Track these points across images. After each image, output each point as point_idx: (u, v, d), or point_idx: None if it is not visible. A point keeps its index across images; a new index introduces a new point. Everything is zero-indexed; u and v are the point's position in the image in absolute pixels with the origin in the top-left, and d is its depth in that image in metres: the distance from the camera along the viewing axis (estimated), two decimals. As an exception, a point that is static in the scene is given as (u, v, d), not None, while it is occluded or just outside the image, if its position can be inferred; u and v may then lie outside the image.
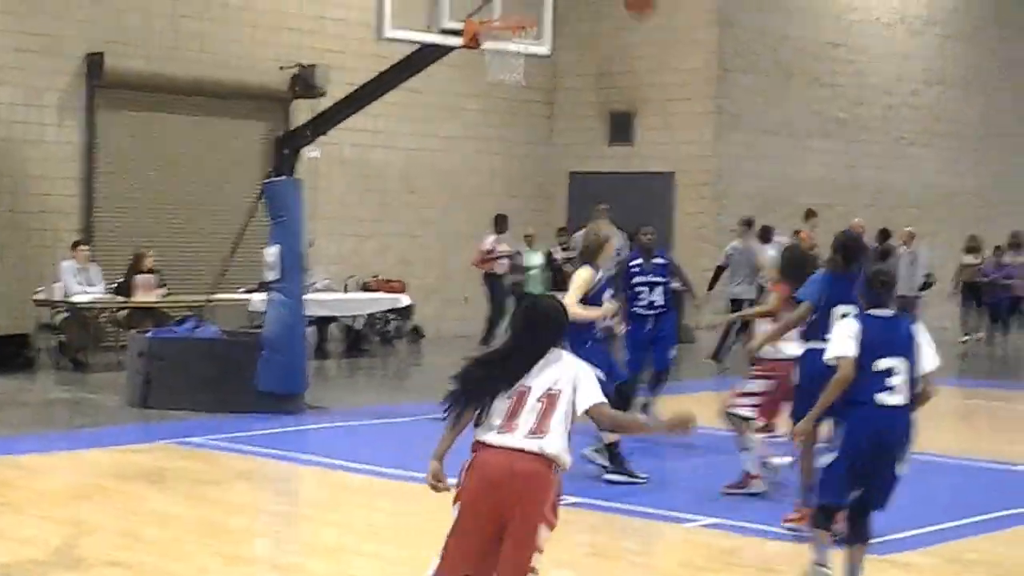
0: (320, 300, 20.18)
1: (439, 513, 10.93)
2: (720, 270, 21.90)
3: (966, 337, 25.98)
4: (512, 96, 24.94)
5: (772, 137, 26.76)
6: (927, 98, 30.05)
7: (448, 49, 17.18)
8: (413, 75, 17.76)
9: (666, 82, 26.18)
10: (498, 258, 22.97)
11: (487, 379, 6.59)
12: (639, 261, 14.75)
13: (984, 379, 22.33)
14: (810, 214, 24.55)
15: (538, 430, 6.44)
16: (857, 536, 8.57)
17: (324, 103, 20.04)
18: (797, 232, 24.52)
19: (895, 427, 8.33)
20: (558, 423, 6.48)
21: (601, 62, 27.00)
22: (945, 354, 22.57)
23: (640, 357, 14.62)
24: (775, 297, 11.52)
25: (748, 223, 22.20)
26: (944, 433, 16.84)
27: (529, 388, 6.52)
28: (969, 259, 26.71)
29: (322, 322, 21.30)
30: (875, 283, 8.55)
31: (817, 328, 10.07)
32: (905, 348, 8.37)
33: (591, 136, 27.07)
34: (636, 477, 12.26)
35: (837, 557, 8.63)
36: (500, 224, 23.21)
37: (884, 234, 25.48)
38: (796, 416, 9.96)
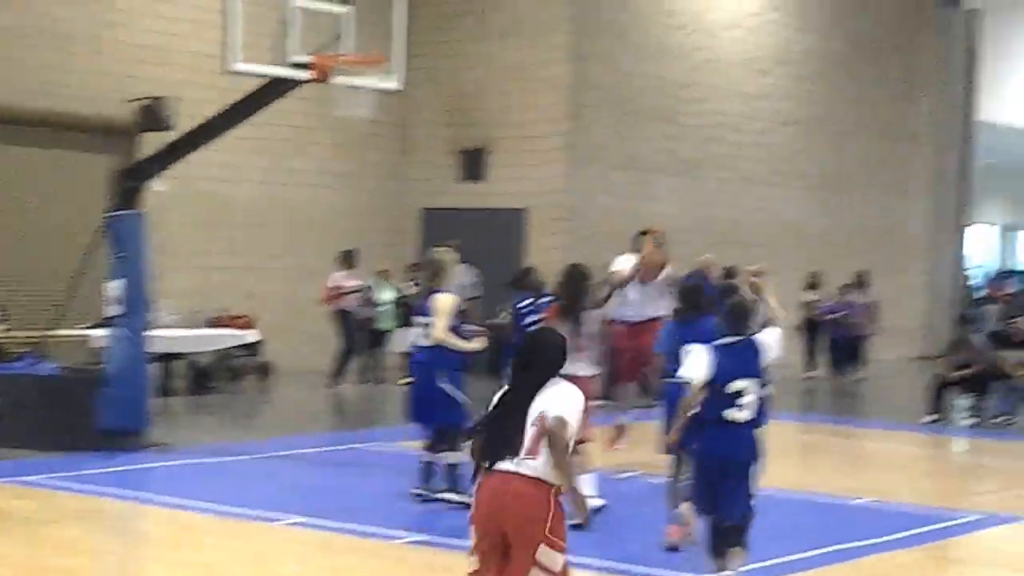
0: (165, 336, 19.89)
1: (277, 551, 10.92)
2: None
3: (807, 374, 26.36)
4: (363, 131, 24.86)
5: (624, 173, 26.93)
6: (775, 138, 30.46)
7: (297, 83, 17.13)
8: (262, 108, 17.66)
9: (518, 119, 26.24)
10: (346, 294, 22.86)
11: (498, 434, 7.01)
12: (529, 301, 14.89)
13: (824, 415, 22.62)
14: (647, 232, 24.62)
15: (530, 452, 6.87)
16: (729, 542, 9.46)
17: (171, 136, 19.81)
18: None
19: (740, 443, 9.28)
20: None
21: (453, 98, 27.00)
22: (789, 390, 22.91)
23: None
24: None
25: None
26: (786, 468, 17.05)
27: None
28: (809, 296, 27.23)
29: (167, 358, 20.99)
30: (734, 313, 9.54)
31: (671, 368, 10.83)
32: (754, 369, 9.34)
33: (443, 172, 27.03)
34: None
35: None
36: (348, 260, 23.10)
37: (729, 272, 25.71)
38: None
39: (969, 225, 37.38)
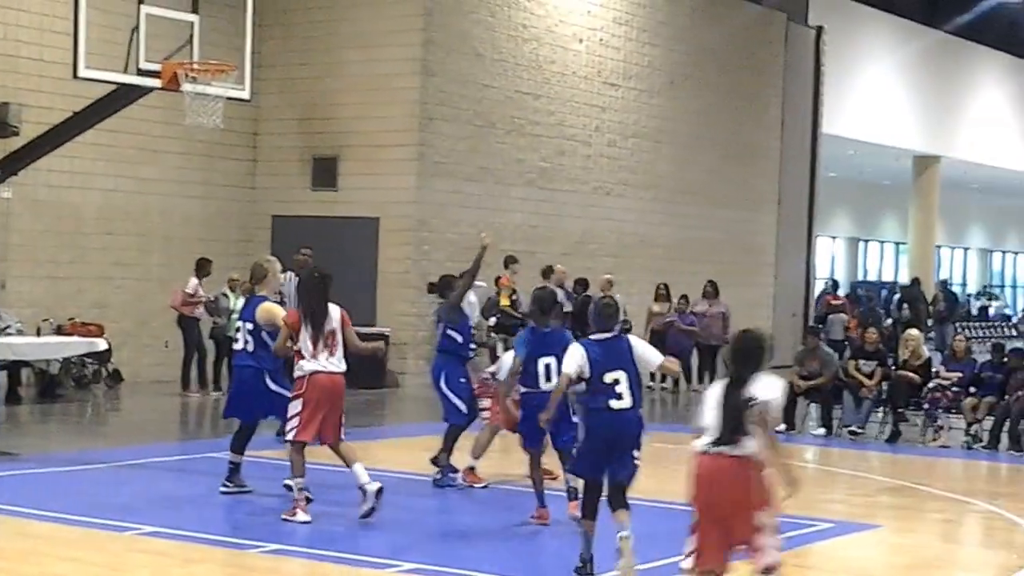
0: (11, 344, 19.52)
1: (131, 562, 10.79)
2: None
3: (650, 384, 26.50)
4: (213, 139, 24.65)
5: (475, 184, 27.02)
6: (623, 150, 30.75)
7: (146, 90, 17.03)
8: (110, 115, 17.53)
9: (370, 129, 26.22)
10: (198, 302, 22.68)
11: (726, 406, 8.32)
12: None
13: (676, 424, 22.82)
14: (510, 260, 24.88)
15: (732, 439, 8.23)
16: (619, 504, 10.42)
17: (17, 142, 19.61)
18: (498, 279, 24.86)
19: (625, 426, 10.30)
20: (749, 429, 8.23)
21: (304, 108, 26.90)
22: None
23: None
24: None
25: (549, 270, 24.97)
26: (641, 477, 17.18)
27: None
28: (656, 307, 27.35)
29: (14, 366, 20.64)
30: (602, 312, 10.50)
31: (527, 376, 12.08)
32: (625, 362, 10.31)
33: (294, 181, 26.91)
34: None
35: None
36: (202, 268, 22.92)
37: (582, 284, 25.96)
38: (527, 442, 12.42)
39: (816, 237, 38.03)
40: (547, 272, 24.99)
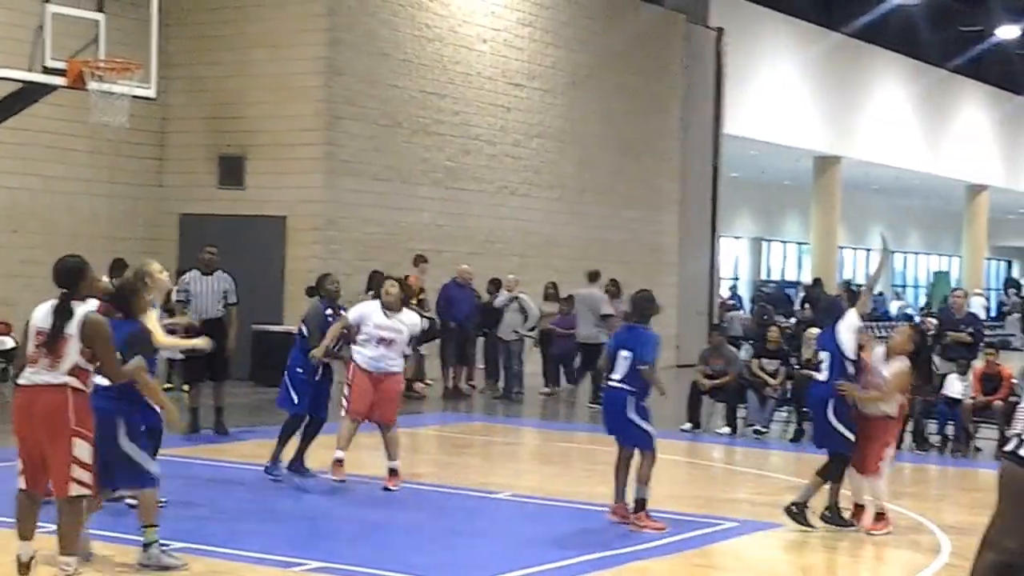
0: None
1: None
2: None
3: (546, 389, 26.17)
4: (119, 138, 24.50)
5: (382, 183, 27.09)
6: (528, 150, 30.93)
7: (51, 88, 16.96)
8: (15, 114, 17.43)
9: (277, 128, 26.22)
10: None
11: None
12: (330, 311, 15.00)
13: (577, 422, 22.98)
14: (419, 259, 24.98)
15: None
16: None
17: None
18: (406, 277, 24.94)
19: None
20: None
21: (211, 106, 26.85)
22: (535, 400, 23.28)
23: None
24: None
25: (595, 274, 25.82)
26: (545, 476, 17.37)
27: None
28: (547, 307, 26.39)
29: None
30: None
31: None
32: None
33: (201, 179, 26.86)
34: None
35: None
36: (117, 269, 22.77)
37: (495, 283, 26.06)
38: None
39: (719, 237, 38.39)
40: (594, 276, 25.90)
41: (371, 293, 25.30)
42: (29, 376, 9.59)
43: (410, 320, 14.69)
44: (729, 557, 12.41)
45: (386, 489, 14.36)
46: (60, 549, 9.50)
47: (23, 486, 9.64)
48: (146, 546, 10.45)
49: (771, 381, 20.99)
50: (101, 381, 10.01)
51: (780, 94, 42.29)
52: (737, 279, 54.42)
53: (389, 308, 14.41)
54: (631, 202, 34.12)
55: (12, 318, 23.15)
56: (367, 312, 14.47)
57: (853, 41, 46.20)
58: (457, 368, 25.31)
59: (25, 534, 9.59)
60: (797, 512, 13.08)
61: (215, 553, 11.08)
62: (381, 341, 14.31)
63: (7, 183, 24.33)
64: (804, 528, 13.03)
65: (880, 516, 13.35)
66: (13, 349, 22.12)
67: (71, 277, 9.74)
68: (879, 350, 13.58)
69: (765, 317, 29.23)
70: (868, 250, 62.91)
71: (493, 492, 14.78)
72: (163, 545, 10.51)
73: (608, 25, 33.27)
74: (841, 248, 49.04)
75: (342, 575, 10.49)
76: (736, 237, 54.41)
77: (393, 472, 14.55)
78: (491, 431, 21.13)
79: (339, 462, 14.30)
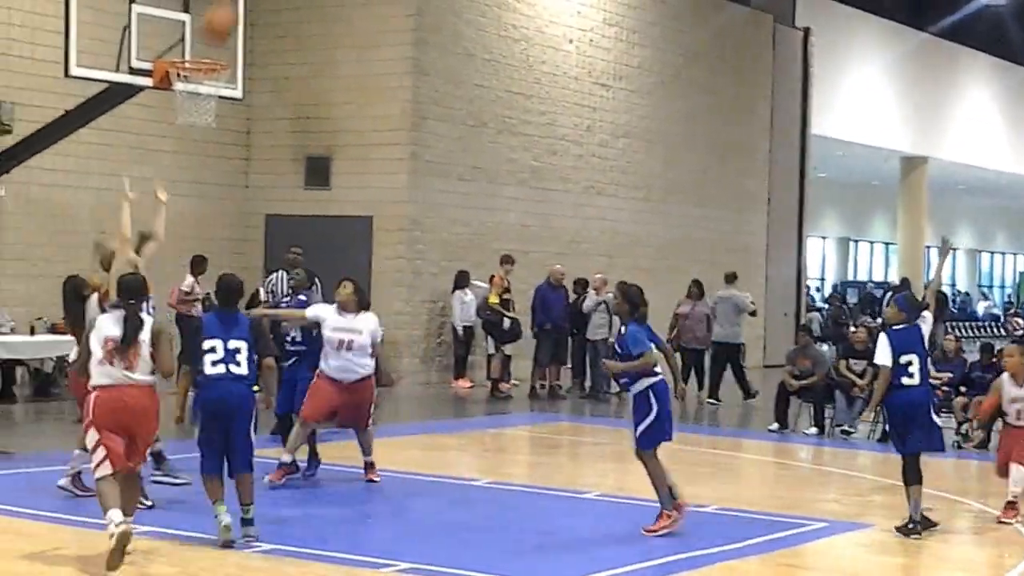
0: (6, 342, 19.57)
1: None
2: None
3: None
4: (206, 138, 24.65)
5: (468, 184, 27.05)
6: (614, 150, 30.80)
7: (138, 89, 16.98)
8: (102, 114, 17.49)
9: (363, 128, 26.23)
10: (195, 300, 22.64)
11: None
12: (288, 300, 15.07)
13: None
14: (505, 259, 24.92)
15: None
16: None
17: (8, 141, 19.60)
18: (492, 277, 24.93)
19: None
20: None
21: (297, 106, 26.91)
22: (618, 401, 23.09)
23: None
24: None
25: (733, 276, 26.23)
26: (633, 476, 17.24)
27: None
28: (683, 308, 25.68)
29: (9, 365, 20.63)
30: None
31: None
32: None
33: (287, 180, 26.92)
34: (178, 478, 13.29)
35: None
36: (198, 265, 22.87)
37: (582, 283, 25.94)
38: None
39: (806, 237, 38.11)
40: (731, 278, 26.21)
41: (456, 291, 25.37)
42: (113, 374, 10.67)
43: (369, 323, 14.16)
44: (818, 557, 12.31)
45: (370, 481, 14.31)
46: (125, 513, 10.41)
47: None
48: (248, 522, 11.35)
49: (858, 381, 20.72)
50: (238, 370, 11.24)
51: (867, 94, 41.94)
52: (824, 279, 54.02)
53: (343, 308, 14.04)
54: (718, 202, 33.91)
55: (99, 319, 23.28)
56: (323, 314, 14.16)
57: (940, 41, 45.78)
58: (552, 369, 25.20)
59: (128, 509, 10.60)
60: (921, 526, 12.84)
61: (304, 555, 11.05)
62: (340, 344, 13.90)
63: (94, 184, 24.45)
64: (920, 530, 12.79)
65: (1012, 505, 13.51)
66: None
67: (141, 290, 11.16)
68: (1004, 378, 14.01)
69: (842, 318, 28.94)
70: (955, 249, 62.20)
71: (581, 492, 14.69)
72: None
73: (694, 25, 33.08)
74: (928, 248, 48.54)
75: (432, 575, 10.41)
76: (823, 237, 54.03)
77: (370, 465, 14.46)
78: (579, 431, 21.04)
79: (283, 466, 14.12)
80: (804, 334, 22.46)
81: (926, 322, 13.05)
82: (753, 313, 26.42)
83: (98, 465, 10.55)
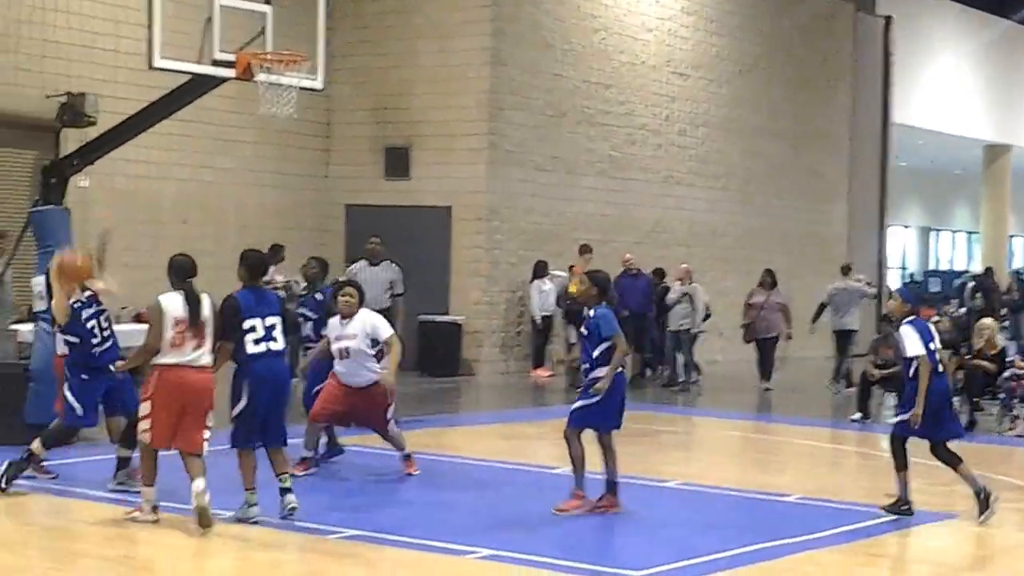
0: (90, 332, 19.68)
1: (211, 547, 10.86)
2: (823, 306, 25.64)
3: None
4: (286, 129, 24.79)
5: (546, 173, 27.06)
6: (693, 139, 30.72)
7: (220, 80, 17.03)
8: (185, 106, 17.56)
9: (441, 118, 26.31)
10: (275, 288, 22.77)
11: None
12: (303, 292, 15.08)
13: (749, 412, 22.82)
14: (584, 249, 24.89)
15: None
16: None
17: (93, 132, 19.72)
18: (571, 267, 24.91)
19: None
20: None
21: (377, 97, 27.02)
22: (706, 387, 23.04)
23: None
24: None
25: (848, 268, 26.55)
26: (714, 465, 17.24)
27: None
28: (758, 297, 25.52)
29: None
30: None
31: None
32: None
33: (367, 170, 27.05)
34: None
35: None
36: (276, 254, 23.00)
37: (659, 273, 25.89)
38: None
39: (888, 226, 37.86)
40: (846, 269, 26.52)
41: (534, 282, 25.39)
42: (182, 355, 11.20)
43: (357, 325, 13.58)
44: (902, 547, 12.26)
45: (408, 474, 14.08)
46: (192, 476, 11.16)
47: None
48: (287, 490, 11.60)
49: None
50: (276, 347, 11.51)
51: (949, 82, 41.58)
52: (905, 269, 53.62)
53: (342, 315, 13.69)
54: (798, 192, 33.74)
55: (182, 307, 23.48)
56: (330, 326, 13.91)
57: (1022, 28, 45.27)
58: (632, 358, 25.15)
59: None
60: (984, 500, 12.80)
61: (386, 541, 11.10)
62: (340, 353, 13.62)
63: (177, 174, 24.71)
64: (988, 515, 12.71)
65: None
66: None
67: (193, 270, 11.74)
68: None
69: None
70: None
71: (663, 480, 14.66)
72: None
73: (774, 13, 32.92)
74: (1011, 237, 48.08)
75: (513, 563, 10.43)
76: (904, 226, 53.62)
77: (406, 458, 14.20)
78: (659, 420, 21.00)
79: (303, 460, 13.95)
80: (886, 323, 22.29)
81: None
82: (875, 297, 27.49)
83: (144, 432, 11.30)
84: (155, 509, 11.39)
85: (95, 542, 11.24)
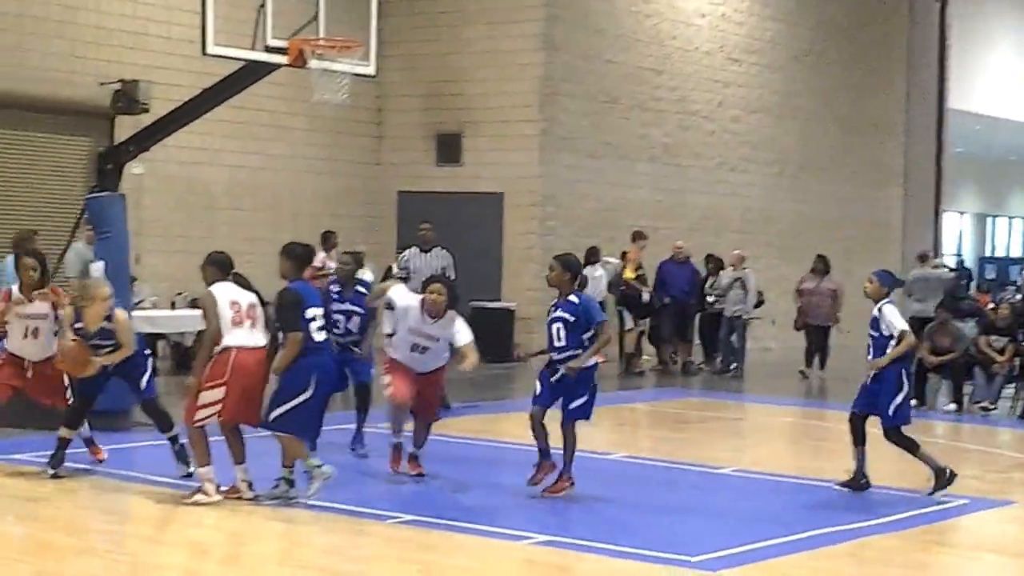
0: (148, 316, 19.82)
1: (266, 531, 10.92)
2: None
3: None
4: (338, 115, 24.85)
5: (598, 160, 27.03)
6: (747, 125, 30.60)
7: (273, 67, 17.06)
8: (238, 92, 17.61)
9: (494, 104, 26.33)
10: (327, 275, 22.79)
11: None
12: (339, 288, 14.61)
13: (802, 399, 22.76)
14: (638, 235, 24.86)
15: None
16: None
17: (147, 119, 19.79)
18: (624, 254, 24.86)
19: None
20: None
21: (428, 84, 27.05)
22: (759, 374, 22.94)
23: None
24: None
25: (925, 255, 26.35)
26: (771, 452, 17.20)
27: None
28: (809, 283, 25.53)
29: (150, 339, 20.90)
30: None
31: None
32: None
33: (419, 156, 27.10)
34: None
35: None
36: (328, 240, 23.06)
37: (711, 260, 25.78)
38: None
39: (943, 212, 37.62)
40: (924, 257, 26.27)
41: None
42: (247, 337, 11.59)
43: (450, 327, 12.73)
44: (960, 533, 12.24)
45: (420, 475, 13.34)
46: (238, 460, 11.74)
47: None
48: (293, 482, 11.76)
49: (999, 358, 20.44)
50: (318, 337, 11.57)
51: (1006, 67, 41.22)
52: (960, 255, 53.29)
53: (430, 313, 12.68)
54: (853, 178, 33.56)
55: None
56: (409, 314, 12.85)
57: (1082, 12, 44.85)
58: (675, 344, 25.13)
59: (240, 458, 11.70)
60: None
61: (440, 525, 11.12)
62: (415, 347, 12.84)
63: (230, 161, 24.82)
64: None
65: None
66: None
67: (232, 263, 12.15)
68: None
69: (959, 293, 28.61)
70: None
71: (716, 467, 14.62)
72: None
73: (828, -3, 32.76)
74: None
75: (568, 548, 10.44)
76: (960, 212, 53.29)
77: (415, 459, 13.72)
78: (711, 407, 20.96)
79: (412, 458, 13.42)
80: (943, 310, 22.14)
81: None
82: (957, 279, 27.29)
83: (206, 414, 11.52)
84: (218, 488, 11.60)
85: (151, 525, 11.36)
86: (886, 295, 13.17)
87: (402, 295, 13.01)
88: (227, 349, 11.47)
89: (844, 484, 13.20)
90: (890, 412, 12.97)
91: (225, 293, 11.67)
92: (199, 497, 11.54)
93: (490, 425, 14.78)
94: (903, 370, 12.97)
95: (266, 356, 11.62)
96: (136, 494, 12.39)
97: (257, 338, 11.65)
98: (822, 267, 25.22)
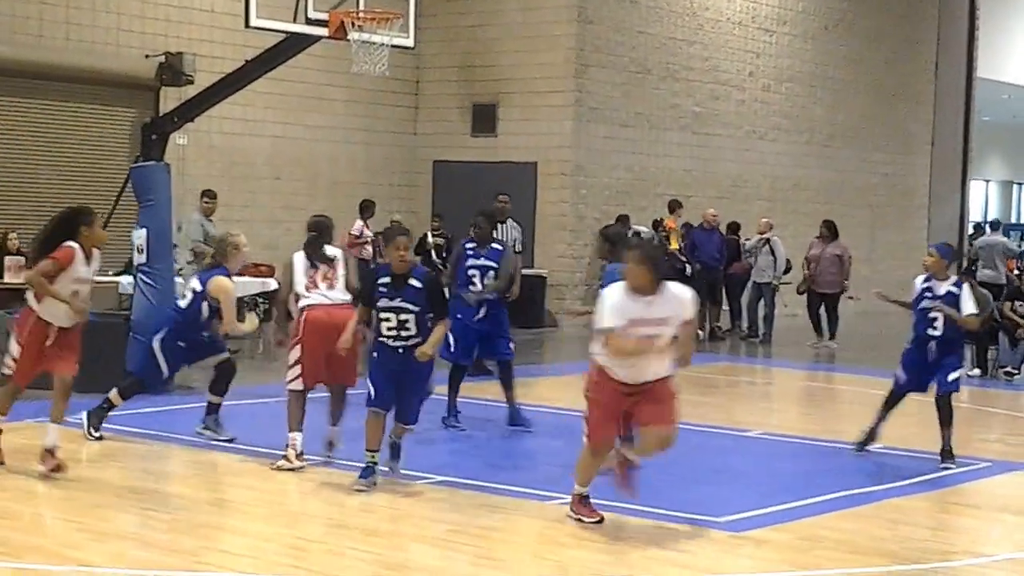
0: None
1: (302, 490, 11.25)
2: (972, 261, 26.07)
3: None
4: (376, 87, 25.23)
5: (630, 129, 27.35)
6: (777, 95, 30.85)
7: (314, 39, 17.31)
8: (279, 64, 17.89)
9: (527, 75, 26.64)
10: (365, 243, 23.21)
11: None
12: (474, 245, 14.33)
13: (826, 364, 22.98)
14: (674, 205, 25.09)
15: None
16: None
17: (191, 91, 20.21)
18: (657, 222, 25.17)
19: None
20: None
21: (464, 55, 27.38)
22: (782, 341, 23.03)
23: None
24: None
25: (996, 224, 27.86)
26: (795, 415, 17.50)
27: None
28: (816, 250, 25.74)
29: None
30: None
31: None
32: None
33: (454, 127, 27.46)
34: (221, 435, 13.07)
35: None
36: (367, 209, 23.46)
37: (732, 227, 26.14)
38: None
39: (970, 180, 37.75)
40: (996, 224, 28.10)
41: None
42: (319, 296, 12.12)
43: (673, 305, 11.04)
44: (983, 496, 12.34)
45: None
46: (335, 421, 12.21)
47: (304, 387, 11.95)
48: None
49: (1023, 323, 20.72)
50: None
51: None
52: (986, 223, 53.35)
53: (636, 290, 10.34)
54: (882, 146, 33.79)
55: (276, 261, 23.97)
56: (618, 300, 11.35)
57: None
58: (711, 310, 25.32)
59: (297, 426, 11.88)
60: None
61: (474, 486, 11.42)
62: None
63: (271, 132, 25.25)
64: None
65: None
66: (277, 291, 22.85)
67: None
68: None
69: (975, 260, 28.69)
70: None
71: (744, 430, 14.92)
72: None
73: (858, -33, 32.93)
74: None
75: (598, 508, 10.54)
76: (986, 180, 53.31)
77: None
78: (739, 371, 21.25)
79: None
80: (967, 277, 22.40)
81: None
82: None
83: (293, 380, 11.94)
84: (300, 456, 11.78)
85: (191, 485, 11.62)
86: (946, 267, 13.24)
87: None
88: (300, 312, 12.02)
89: (861, 445, 13.52)
90: (949, 379, 13.19)
91: (298, 260, 12.36)
92: (281, 463, 11.76)
93: (522, 389, 15.09)
94: (964, 343, 13.21)
95: (346, 310, 11.75)
96: (173, 456, 12.74)
97: (332, 295, 12.12)
98: (828, 232, 24.95)
